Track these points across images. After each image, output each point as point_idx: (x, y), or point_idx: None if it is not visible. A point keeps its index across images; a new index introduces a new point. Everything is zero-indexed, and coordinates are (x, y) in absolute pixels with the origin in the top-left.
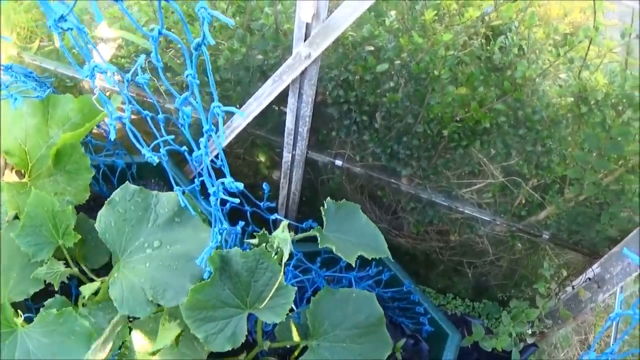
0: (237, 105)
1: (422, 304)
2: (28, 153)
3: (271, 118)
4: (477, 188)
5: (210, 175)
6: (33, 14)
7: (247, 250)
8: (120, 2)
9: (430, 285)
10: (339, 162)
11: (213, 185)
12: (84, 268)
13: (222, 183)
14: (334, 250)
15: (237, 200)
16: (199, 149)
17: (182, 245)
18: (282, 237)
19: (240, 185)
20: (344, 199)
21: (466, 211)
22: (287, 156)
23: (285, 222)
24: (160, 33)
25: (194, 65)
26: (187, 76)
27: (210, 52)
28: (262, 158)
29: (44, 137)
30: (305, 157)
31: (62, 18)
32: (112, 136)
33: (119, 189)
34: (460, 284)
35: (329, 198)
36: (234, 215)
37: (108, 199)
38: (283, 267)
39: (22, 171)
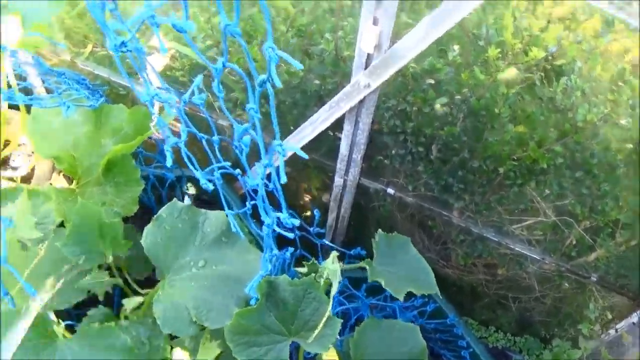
0: (291, 128)
1: (464, 337)
2: (78, 160)
3: (325, 142)
4: (527, 225)
5: (265, 209)
6: (87, 18)
7: (295, 277)
8: (186, 37)
9: (474, 317)
10: (391, 191)
11: (268, 216)
12: (128, 279)
13: (278, 217)
14: (383, 284)
15: (292, 235)
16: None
17: (228, 266)
18: (332, 268)
19: (297, 222)
20: (393, 227)
21: (516, 248)
22: (338, 181)
23: (335, 254)
24: (224, 65)
25: (256, 100)
26: (249, 110)
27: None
28: (312, 180)
29: (95, 146)
30: (357, 183)
31: (123, 44)
32: (169, 163)
33: (166, 205)
34: (503, 317)
35: (380, 230)
36: (281, 237)
37: (155, 215)
38: (331, 299)
39: (71, 177)
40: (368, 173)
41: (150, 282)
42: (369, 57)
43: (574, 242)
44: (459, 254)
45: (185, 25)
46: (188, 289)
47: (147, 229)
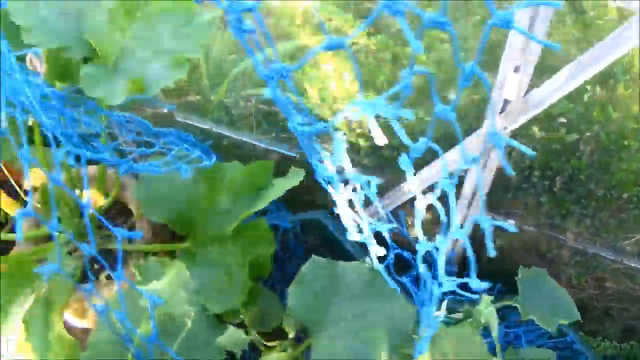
0: (414, 171)
1: (584, 352)
2: (192, 220)
3: None
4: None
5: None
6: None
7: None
8: (395, 123)
9: (581, 328)
10: (510, 221)
11: (438, 282)
12: (253, 331)
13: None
14: (535, 320)
15: (476, 297)
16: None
17: (375, 317)
18: (488, 312)
19: (485, 285)
20: (508, 251)
21: (631, 263)
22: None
23: (488, 298)
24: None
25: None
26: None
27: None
28: (427, 211)
29: (210, 204)
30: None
31: (325, 128)
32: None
33: (307, 263)
34: (610, 328)
35: (521, 266)
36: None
37: (297, 275)
38: (496, 341)
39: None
40: (488, 205)
41: (277, 334)
42: (505, 102)
43: None
44: (572, 274)
45: (404, 113)
46: (342, 343)
47: (292, 290)
